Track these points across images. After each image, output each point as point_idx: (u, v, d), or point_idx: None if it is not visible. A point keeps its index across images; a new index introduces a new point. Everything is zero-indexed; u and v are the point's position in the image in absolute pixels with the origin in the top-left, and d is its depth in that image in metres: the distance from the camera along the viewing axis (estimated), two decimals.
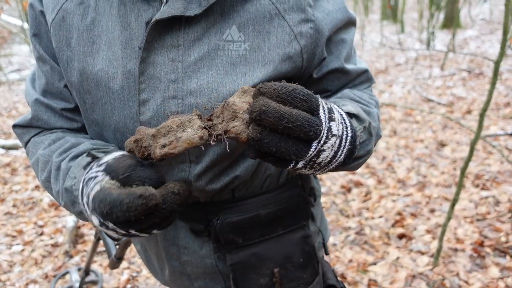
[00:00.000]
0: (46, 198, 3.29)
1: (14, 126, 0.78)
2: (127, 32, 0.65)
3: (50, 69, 0.73)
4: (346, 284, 2.01)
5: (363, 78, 0.81)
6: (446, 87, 5.31)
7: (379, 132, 0.74)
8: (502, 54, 1.63)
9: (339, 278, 0.82)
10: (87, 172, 0.56)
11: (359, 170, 3.26)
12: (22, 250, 2.59)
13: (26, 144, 0.78)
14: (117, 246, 1.44)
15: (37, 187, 3.55)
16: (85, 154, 0.63)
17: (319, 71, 0.73)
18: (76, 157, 0.65)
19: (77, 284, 2.12)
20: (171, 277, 0.87)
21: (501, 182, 2.79)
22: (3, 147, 4.62)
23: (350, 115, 0.62)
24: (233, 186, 0.75)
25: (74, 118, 0.76)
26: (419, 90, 5.25)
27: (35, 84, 0.77)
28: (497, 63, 1.68)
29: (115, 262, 1.46)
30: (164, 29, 0.63)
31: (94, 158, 0.59)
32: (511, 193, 2.62)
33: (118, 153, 0.56)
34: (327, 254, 0.92)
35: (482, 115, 1.76)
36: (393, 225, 2.48)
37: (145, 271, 2.28)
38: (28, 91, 0.78)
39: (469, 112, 4.31)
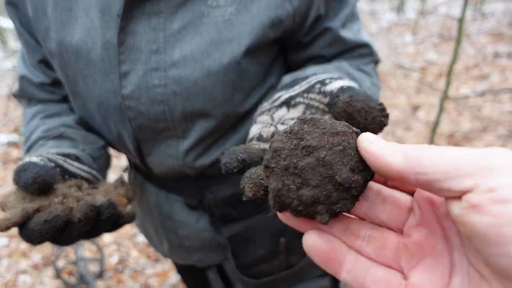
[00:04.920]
0: None
1: (14, 95, 0.80)
2: None
3: (25, 42, 0.70)
4: None
5: (363, 51, 0.72)
6: (419, 53, 5.41)
7: None
8: (464, 11, 1.68)
9: None
10: None
11: None
12: (9, 244, 2.58)
13: None
14: None
15: None
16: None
17: (309, 34, 0.67)
18: (30, 148, 0.66)
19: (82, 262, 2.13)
20: (170, 251, 0.87)
21: (472, 138, 2.92)
22: None
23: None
24: None
25: (53, 91, 0.75)
26: (393, 59, 5.34)
27: (24, 55, 0.76)
28: (460, 20, 1.74)
29: None
30: None
31: None
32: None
33: (21, 162, 0.54)
34: None
35: (449, 73, 1.83)
36: None
37: (135, 252, 2.32)
38: (18, 63, 0.77)
39: (440, 75, 4.42)
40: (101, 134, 0.73)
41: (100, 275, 2.14)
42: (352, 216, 0.35)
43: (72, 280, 2.12)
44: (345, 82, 0.49)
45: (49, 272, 2.22)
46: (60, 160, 0.57)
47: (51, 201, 0.49)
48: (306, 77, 0.55)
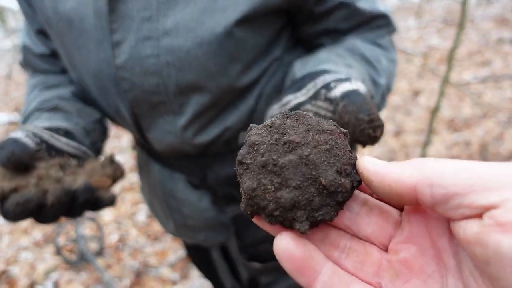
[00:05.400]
0: None
1: (20, 64, 0.80)
2: None
3: (25, 13, 0.71)
4: None
5: (381, 22, 0.69)
6: (422, 38, 5.36)
7: (382, 103, 0.67)
8: None
9: None
10: None
11: None
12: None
13: None
14: None
15: None
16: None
17: (321, 5, 0.64)
18: (26, 119, 0.66)
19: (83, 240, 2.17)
20: (176, 229, 0.87)
21: (471, 123, 2.92)
22: None
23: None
24: (225, 138, 0.70)
25: (53, 62, 0.76)
26: (395, 44, 5.29)
27: (28, 26, 0.76)
28: (463, 4, 1.72)
29: None
30: None
31: None
32: (481, 135, 2.76)
33: (4, 139, 0.54)
34: None
35: (450, 58, 1.82)
36: None
37: (135, 231, 2.35)
38: (22, 33, 0.77)
39: (443, 60, 4.38)
40: (100, 107, 0.73)
41: (100, 252, 2.17)
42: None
43: (73, 257, 2.15)
44: (349, 86, 0.46)
45: (50, 249, 2.26)
46: (46, 135, 0.57)
47: (28, 182, 0.49)
48: (313, 77, 0.52)
